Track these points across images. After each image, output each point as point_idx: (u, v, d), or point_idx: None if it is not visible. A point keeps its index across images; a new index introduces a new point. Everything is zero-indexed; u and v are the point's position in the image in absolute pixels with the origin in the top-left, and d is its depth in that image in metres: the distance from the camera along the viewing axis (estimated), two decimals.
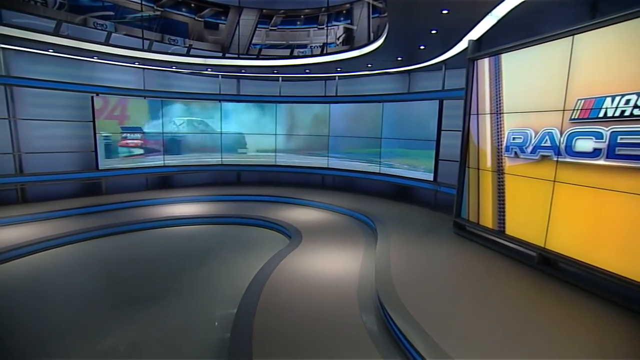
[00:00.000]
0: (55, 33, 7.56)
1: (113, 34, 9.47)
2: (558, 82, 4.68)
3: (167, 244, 7.39)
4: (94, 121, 9.42)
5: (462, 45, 7.06)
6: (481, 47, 6.39)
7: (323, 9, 12.04)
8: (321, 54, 9.26)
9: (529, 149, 5.19)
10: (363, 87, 11.30)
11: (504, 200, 5.76)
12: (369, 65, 9.33)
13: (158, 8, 10.58)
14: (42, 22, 8.02)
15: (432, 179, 9.00)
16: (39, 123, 8.92)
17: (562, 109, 4.61)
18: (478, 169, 6.36)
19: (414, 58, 8.43)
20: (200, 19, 11.72)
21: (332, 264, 5.74)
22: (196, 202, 9.99)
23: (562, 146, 4.63)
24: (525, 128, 5.26)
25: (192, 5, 11.38)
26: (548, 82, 4.85)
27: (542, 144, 4.95)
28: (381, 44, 7.39)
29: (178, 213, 8.87)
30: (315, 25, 12.54)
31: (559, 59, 4.66)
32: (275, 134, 11.55)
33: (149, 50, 9.07)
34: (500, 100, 5.81)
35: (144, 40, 9.51)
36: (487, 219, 6.11)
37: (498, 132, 5.85)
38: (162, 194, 10.25)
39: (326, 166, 11.26)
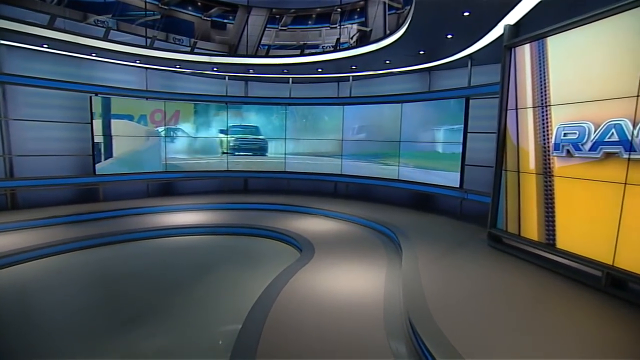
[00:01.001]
0: (50, 26, 7.02)
1: (114, 32, 8.95)
2: (629, 63, 3.85)
3: (166, 256, 6.64)
4: (92, 123, 8.83)
5: (494, 34, 6.30)
6: (519, 32, 5.60)
7: (336, 7, 11.44)
8: (335, 50, 8.56)
9: (588, 146, 4.33)
10: (378, 88, 10.56)
11: (553, 207, 4.88)
12: (387, 62, 8.60)
13: (163, 6, 10.08)
14: (39, 16, 7.52)
15: (457, 185, 8.14)
16: (33, 124, 8.36)
17: (637, 94, 3.76)
18: (518, 171, 5.50)
19: (438, 52, 7.68)
20: (207, 18, 11.21)
21: (350, 281, 4.91)
22: (199, 210, 9.27)
23: (637, 140, 3.77)
24: (582, 121, 4.42)
25: (199, 3, 10.88)
26: (614, 65, 4.02)
27: (607, 139, 4.10)
28: (403, 34, 6.67)
29: (179, 222, 8.14)
30: (327, 25, 11.94)
31: (631, 34, 3.84)
32: (285, 138, 10.83)
33: (151, 48, 8.50)
34: (546, 92, 4.98)
35: (147, 38, 8.98)
36: (531, 230, 5.23)
37: (544, 128, 5.01)
38: (163, 201, 9.56)
39: (339, 173, 10.46)
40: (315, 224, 8.18)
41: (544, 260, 5.05)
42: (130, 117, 9.54)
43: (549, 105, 4.92)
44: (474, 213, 8.59)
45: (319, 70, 9.64)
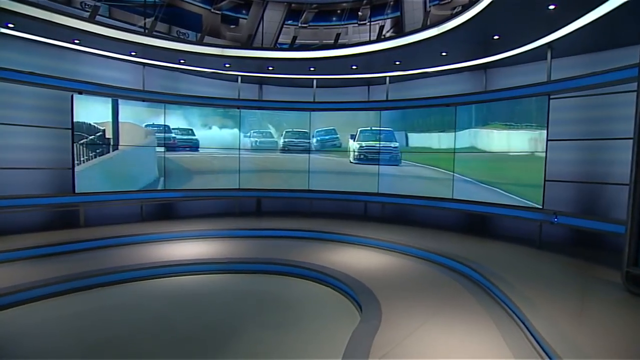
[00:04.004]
0: None
1: (105, 19, 7.29)
2: None
3: (166, 307, 4.70)
4: (72, 128, 7.02)
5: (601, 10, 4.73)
6: None
7: (365, 1, 9.96)
8: (380, 39, 6.93)
9: None
10: (417, 92, 8.89)
11: None
12: (444, 54, 6.97)
13: None
14: None
15: (535, 205, 6.39)
16: None
17: None
18: None
19: (515, 37, 6.07)
20: (216, 12, 9.66)
21: (463, 352, 3.05)
22: (207, 238, 7.36)
23: None
24: None
25: None
26: None
27: None
28: (484, 8, 5.05)
29: (182, 255, 6.24)
30: (355, 21, 10.44)
31: None
32: (309, 151, 9.07)
33: (150, 35, 6.82)
34: None
35: (145, 26, 7.33)
36: None
37: None
38: (161, 227, 7.66)
39: (374, 192, 8.66)
40: (357, 257, 6.33)
41: None
42: None
43: None
44: (561, 241, 6.85)
45: (354, 67, 7.99)
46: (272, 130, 9.15)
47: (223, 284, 5.52)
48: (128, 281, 5.40)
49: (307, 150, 9.08)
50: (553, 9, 4.89)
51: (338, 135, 9.05)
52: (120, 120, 7.59)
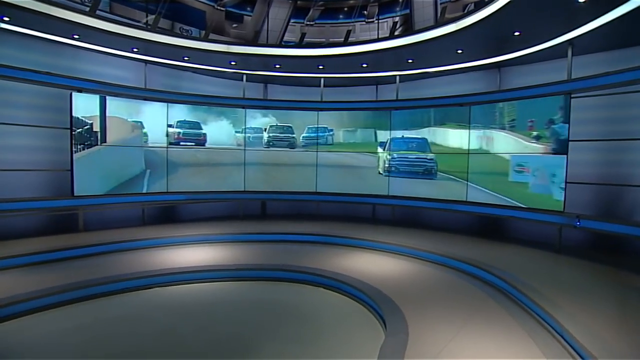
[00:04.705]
0: None
1: (106, 13, 6.98)
2: None
3: (173, 319, 4.40)
4: (71, 128, 6.69)
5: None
6: None
7: None
8: (394, 36, 6.67)
9: None
10: (427, 91, 8.64)
11: None
12: (459, 51, 6.73)
13: None
14: None
15: (553, 207, 6.16)
16: None
17: None
18: None
19: (536, 33, 5.83)
20: (221, 8, 9.36)
21: None
22: (211, 243, 7.05)
23: None
24: None
25: None
26: None
27: None
28: (508, 2, 4.81)
29: (188, 261, 5.93)
30: (362, 19, 10.19)
31: None
32: (317, 151, 8.78)
33: (153, 31, 6.52)
34: None
35: (147, 21, 7.02)
36: None
37: None
38: (164, 231, 7.34)
39: (384, 194, 8.39)
40: (371, 262, 6.06)
41: None
42: None
43: None
44: (579, 244, 6.61)
45: (364, 65, 7.72)
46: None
47: (233, 292, 5.22)
48: (132, 290, 5.08)
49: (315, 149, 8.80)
50: (583, 2, 4.65)
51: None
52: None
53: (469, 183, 7.41)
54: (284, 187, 8.77)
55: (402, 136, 8.25)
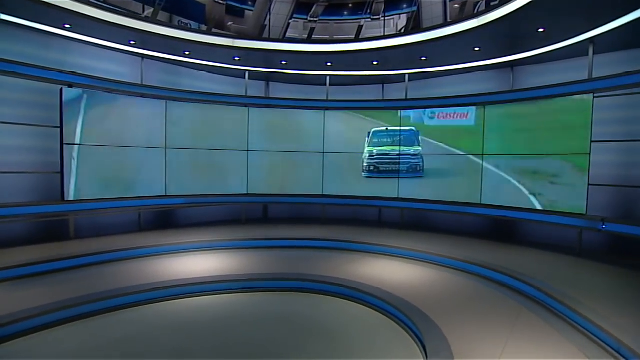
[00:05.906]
0: None
1: (98, 2, 6.46)
2: None
3: (180, 339, 3.93)
4: (61, 126, 6.14)
5: None
6: None
7: None
8: (407, 32, 6.37)
9: None
10: (435, 91, 8.37)
11: None
12: (476, 49, 6.46)
13: None
14: None
15: (576, 211, 5.94)
16: None
17: None
18: None
19: (562, 29, 5.60)
20: (221, 2, 8.91)
21: None
22: (214, 250, 6.58)
23: None
24: None
25: None
26: None
27: None
28: None
29: (190, 272, 5.45)
30: (368, 16, 9.86)
31: None
32: (323, 152, 8.40)
33: (153, 22, 6.04)
34: None
35: (144, 12, 6.54)
36: None
37: None
38: (163, 237, 6.84)
39: (394, 197, 8.06)
40: (388, 269, 5.73)
41: None
42: None
43: None
44: (599, 248, 6.42)
45: (375, 63, 7.38)
46: None
47: (246, 305, 4.78)
48: (130, 306, 4.54)
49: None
50: None
51: None
52: None
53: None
54: (286, 189, 8.36)
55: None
